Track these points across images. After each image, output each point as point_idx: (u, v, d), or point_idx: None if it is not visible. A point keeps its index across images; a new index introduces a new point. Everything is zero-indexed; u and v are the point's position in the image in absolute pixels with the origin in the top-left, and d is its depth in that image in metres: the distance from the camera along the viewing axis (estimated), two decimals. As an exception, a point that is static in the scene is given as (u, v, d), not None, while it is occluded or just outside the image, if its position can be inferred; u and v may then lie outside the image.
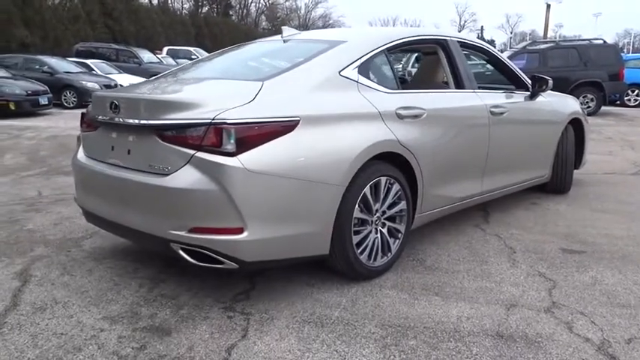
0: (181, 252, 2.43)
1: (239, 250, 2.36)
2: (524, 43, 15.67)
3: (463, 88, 3.61)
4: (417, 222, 3.21)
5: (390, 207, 2.94)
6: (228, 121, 2.32)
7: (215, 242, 2.34)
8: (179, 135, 2.40)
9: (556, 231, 3.82)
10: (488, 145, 3.66)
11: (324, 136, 2.56)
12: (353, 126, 2.70)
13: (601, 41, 13.10)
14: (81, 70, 15.26)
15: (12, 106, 11.39)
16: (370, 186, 2.77)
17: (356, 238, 2.75)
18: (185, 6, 46.26)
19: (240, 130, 2.33)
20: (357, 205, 2.71)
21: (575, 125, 4.82)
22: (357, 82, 2.87)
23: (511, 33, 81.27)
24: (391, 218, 2.97)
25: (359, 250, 2.78)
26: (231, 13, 51.16)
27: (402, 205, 3.00)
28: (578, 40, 13.60)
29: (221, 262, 2.39)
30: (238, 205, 2.30)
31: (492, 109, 3.68)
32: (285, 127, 2.45)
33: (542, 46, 13.24)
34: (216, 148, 2.32)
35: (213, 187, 2.29)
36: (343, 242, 2.68)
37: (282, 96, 2.57)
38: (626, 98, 15.01)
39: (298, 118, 2.49)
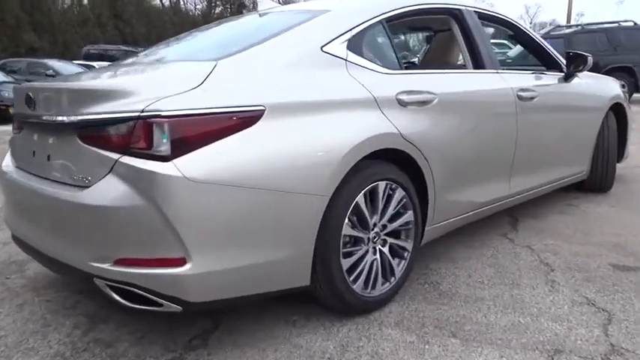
0: (108, 290, 1.83)
1: (181, 287, 1.74)
2: (547, 29, 14.78)
3: (483, 68, 2.95)
4: (428, 236, 2.56)
5: (391, 219, 2.29)
6: (162, 114, 1.70)
7: (148, 278, 1.73)
8: (100, 134, 1.79)
9: (602, 240, 3.13)
10: (516, 137, 2.98)
11: (299, 131, 1.93)
12: (339, 116, 2.06)
13: (631, 23, 12.18)
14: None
15: (11, 111, 11.00)
16: (364, 194, 2.13)
17: (347, 262, 2.11)
18: (198, 7, 46.02)
19: (178, 126, 1.71)
20: (346, 220, 2.07)
21: (617, 111, 4.10)
22: (346, 59, 2.23)
23: (530, 23, 79.50)
24: (394, 234, 2.33)
25: (351, 277, 2.14)
26: (244, 12, 50.79)
27: (409, 216, 2.35)
28: (606, 23, 12.66)
29: (159, 304, 1.78)
30: (177, 228, 1.68)
31: (520, 94, 3.00)
32: (243, 119, 1.82)
33: (567, 31, 12.39)
34: (146, 151, 1.70)
35: (141, 204, 1.68)
36: (329, 269, 2.04)
37: (241, 79, 1.94)
38: (658, 85, 14.03)
39: (262, 108, 1.86)
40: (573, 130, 3.60)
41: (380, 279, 2.27)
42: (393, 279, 2.33)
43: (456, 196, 2.63)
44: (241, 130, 1.81)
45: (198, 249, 1.72)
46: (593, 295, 2.40)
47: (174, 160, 1.68)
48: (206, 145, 1.74)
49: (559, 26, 14.88)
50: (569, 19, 33.42)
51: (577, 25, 14.04)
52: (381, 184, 2.20)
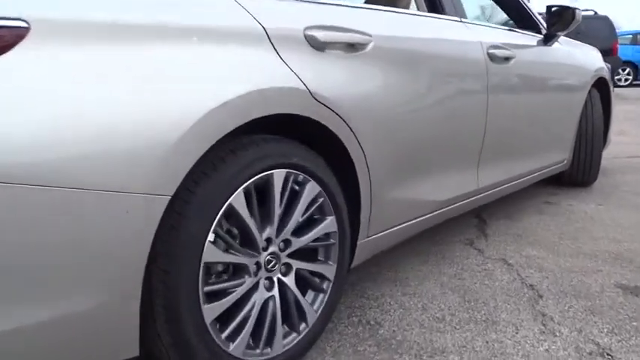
0: None
1: None
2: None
3: (443, 12, 2.11)
4: (362, 253, 1.71)
5: (299, 231, 1.43)
6: None
7: None
8: None
9: (597, 249, 2.36)
10: (486, 112, 2.16)
11: (101, 76, 1.03)
12: (190, 55, 1.16)
13: (592, 12, 11.76)
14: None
15: None
16: (245, 191, 1.25)
17: (213, 309, 1.22)
18: None
19: None
20: (209, 236, 1.18)
21: (600, 88, 3.36)
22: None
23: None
24: (304, 254, 1.47)
25: (225, 333, 1.26)
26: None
27: (328, 224, 1.49)
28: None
29: None
30: None
31: (492, 52, 2.19)
32: (-25, 43, 0.91)
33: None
34: None
35: None
36: (177, 324, 1.15)
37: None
38: (616, 77, 13.77)
39: (24, 25, 0.95)
40: (554, 107, 2.83)
41: (280, 329, 1.39)
42: (304, 326, 1.46)
43: (403, 192, 1.78)
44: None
45: None
46: (605, 340, 1.60)
47: None
48: None
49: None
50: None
51: (539, 14, 13.61)
52: (278, 175, 1.32)
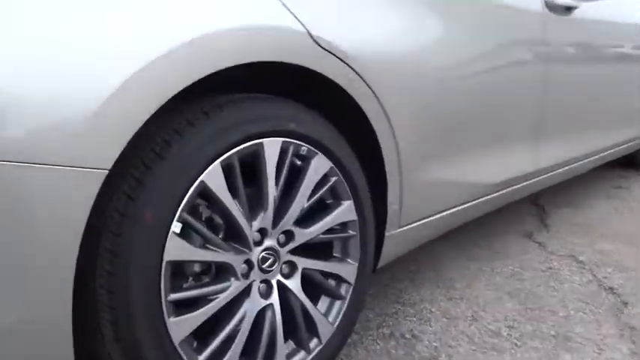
0: None
1: None
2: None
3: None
4: (392, 249, 1.36)
5: (306, 220, 1.10)
6: None
7: None
8: None
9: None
10: (544, 73, 1.77)
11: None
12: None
13: None
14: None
15: None
16: (226, 165, 0.93)
17: (185, 323, 0.91)
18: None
19: None
20: (173, 225, 0.87)
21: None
22: None
23: None
24: (315, 249, 1.14)
25: (204, 355, 0.94)
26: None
27: (345, 211, 1.15)
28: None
29: None
30: None
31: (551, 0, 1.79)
32: None
33: None
34: None
35: None
36: (130, 343, 0.85)
37: None
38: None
39: None
40: (628, 73, 2.38)
41: (282, 348, 1.07)
42: (315, 342, 1.13)
43: (443, 172, 1.42)
44: None
45: None
46: None
47: None
48: None
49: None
50: None
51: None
52: (270, 145, 1.00)
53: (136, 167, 0.85)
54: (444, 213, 1.46)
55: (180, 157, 0.87)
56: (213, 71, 0.87)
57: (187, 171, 0.88)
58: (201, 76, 0.85)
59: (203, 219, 0.99)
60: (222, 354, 0.97)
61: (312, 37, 1.02)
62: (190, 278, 0.99)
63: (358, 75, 1.11)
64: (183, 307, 0.92)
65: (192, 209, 0.93)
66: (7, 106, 0.69)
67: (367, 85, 1.14)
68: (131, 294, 0.83)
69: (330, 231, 1.15)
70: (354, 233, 1.18)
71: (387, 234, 1.31)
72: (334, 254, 1.19)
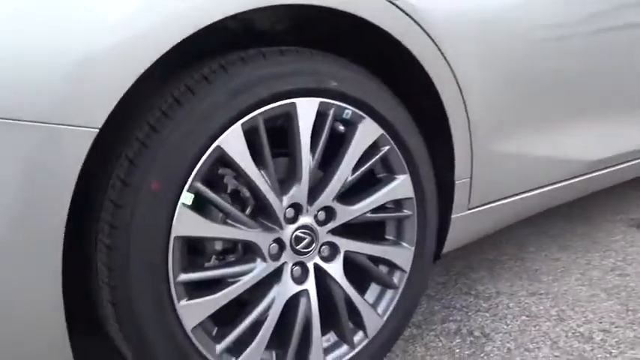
0: None
1: None
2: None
3: None
4: (459, 233, 1.16)
5: (351, 196, 0.95)
6: None
7: None
8: None
9: None
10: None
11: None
12: None
13: None
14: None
15: None
16: (249, 128, 0.80)
17: (199, 308, 0.80)
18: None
19: None
20: (183, 196, 0.75)
21: None
22: None
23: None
24: (364, 230, 0.99)
25: (223, 344, 0.83)
26: None
27: (399, 186, 0.99)
28: None
29: None
30: None
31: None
32: None
33: None
34: None
35: None
36: (133, 327, 0.75)
37: None
38: None
39: None
40: None
41: (318, 340, 0.93)
42: (360, 336, 0.99)
43: (527, 145, 1.19)
44: None
45: None
46: None
47: None
48: None
49: None
50: None
51: None
52: (304, 106, 0.85)
53: (141, 129, 0.75)
54: (528, 194, 1.23)
55: (192, 118, 0.75)
56: (230, 15, 0.74)
57: (200, 134, 0.76)
58: (212, 20, 0.72)
59: (229, 191, 0.87)
60: (246, 344, 0.86)
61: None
62: (214, 257, 0.88)
63: (415, 22, 0.93)
64: (204, 289, 0.82)
65: (212, 179, 0.82)
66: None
67: (434, 42, 0.95)
68: (132, 272, 0.73)
69: (381, 209, 0.99)
70: (410, 213, 1.02)
71: (453, 216, 1.12)
72: (387, 236, 1.03)
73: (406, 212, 1.02)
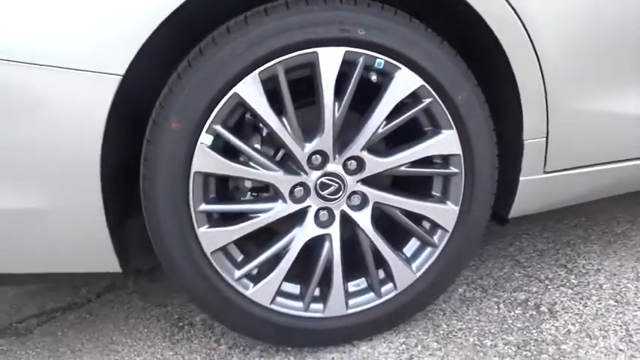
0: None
1: None
2: None
3: None
4: (529, 200, 1.04)
5: (387, 148, 0.95)
6: None
7: None
8: None
9: None
10: None
11: None
12: None
13: None
14: None
15: None
16: (268, 77, 0.85)
17: (216, 235, 0.91)
18: None
19: None
20: (202, 136, 0.85)
21: None
22: None
23: None
24: (412, 183, 0.98)
25: (243, 271, 0.94)
26: None
27: (443, 142, 0.94)
28: None
29: None
30: None
31: None
32: None
33: None
34: None
35: None
36: (161, 244, 0.90)
37: None
38: None
39: None
40: None
41: (339, 283, 0.97)
42: (389, 287, 1.00)
43: (622, 102, 0.99)
44: None
45: None
46: None
47: None
48: None
49: None
50: None
51: None
52: (328, 57, 0.85)
53: (171, 77, 0.85)
54: (620, 164, 1.04)
55: (210, 66, 0.83)
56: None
57: (216, 81, 0.83)
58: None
59: (264, 135, 0.95)
60: (265, 273, 0.95)
61: None
62: (249, 194, 0.98)
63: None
64: (225, 220, 0.93)
65: (239, 123, 0.90)
66: (26, 14, 0.76)
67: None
68: (158, 198, 0.87)
69: (426, 164, 0.96)
70: (457, 171, 0.96)
71: (522, 178, 1.01)
72: (433, 193, 1.00)
73: (452, 169, 0.96)
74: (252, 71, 0.84)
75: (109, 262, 0.91)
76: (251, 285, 0.95)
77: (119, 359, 1.08)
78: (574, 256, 1.25)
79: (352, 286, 1.01)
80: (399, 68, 0.89)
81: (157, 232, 0.89)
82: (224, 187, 0.98)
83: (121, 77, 0.79)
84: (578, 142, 1.00)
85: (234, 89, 0.84)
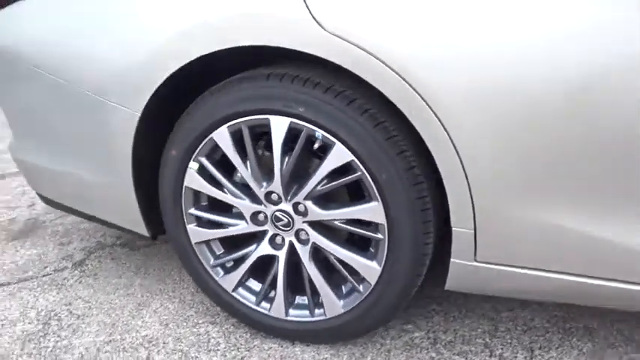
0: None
1: None
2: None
3: None
4: (460, 280, 1.07)
5: (324, 201, 1.12)
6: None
7: None
8: None
9: None
10: None
11: None
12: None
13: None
14: None
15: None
16: (234, 130, 1.11)
17: (199, 233, 1.25)
18: None
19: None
20: (190, 163, 1.17)
21: None
22: None
23: None
24: (339, 234, 1.14)
25: (218, 261, 1.26)
26: None
27: (371, 210, 1.06)
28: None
29: None
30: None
31: None
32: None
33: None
34: None
35: None
36: (167, 226, 1.29)
37: None
38: None
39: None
40: None
41: (281, 292, 1.21)
42: (320, 312, 1.20)
43: (558, 217, 0.91)
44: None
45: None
46: None
47: None
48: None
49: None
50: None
51: None
52: (277, 123, 1.06)
53: (177, 121, 1.19)
54: (552, 275, 0.97)
55: (198, 116, 1.14)
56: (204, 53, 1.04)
57: (200, 126, 1.14)
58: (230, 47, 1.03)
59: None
60: (234, 268, 1.26)
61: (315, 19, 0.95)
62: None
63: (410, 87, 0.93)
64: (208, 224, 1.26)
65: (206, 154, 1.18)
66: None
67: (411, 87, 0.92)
68: (165, 199, 1.24)
69: (363, 224, 1.11)
70: (382, 237, 1.09)
71: (452, 260, 1.07)
72: (371, 249, 1.14)
73: (379, 235, 1.08)
74: (223, 124, 1.12)
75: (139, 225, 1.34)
76: (222, 273, 1.28)
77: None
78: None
79: (299, 299, 1.24)
80: (335, 143, 1.04)
81: (165, 219, 1.28)
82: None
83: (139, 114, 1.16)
84: (509, 244, 0.99)
85: (212, 135, 1.13)
